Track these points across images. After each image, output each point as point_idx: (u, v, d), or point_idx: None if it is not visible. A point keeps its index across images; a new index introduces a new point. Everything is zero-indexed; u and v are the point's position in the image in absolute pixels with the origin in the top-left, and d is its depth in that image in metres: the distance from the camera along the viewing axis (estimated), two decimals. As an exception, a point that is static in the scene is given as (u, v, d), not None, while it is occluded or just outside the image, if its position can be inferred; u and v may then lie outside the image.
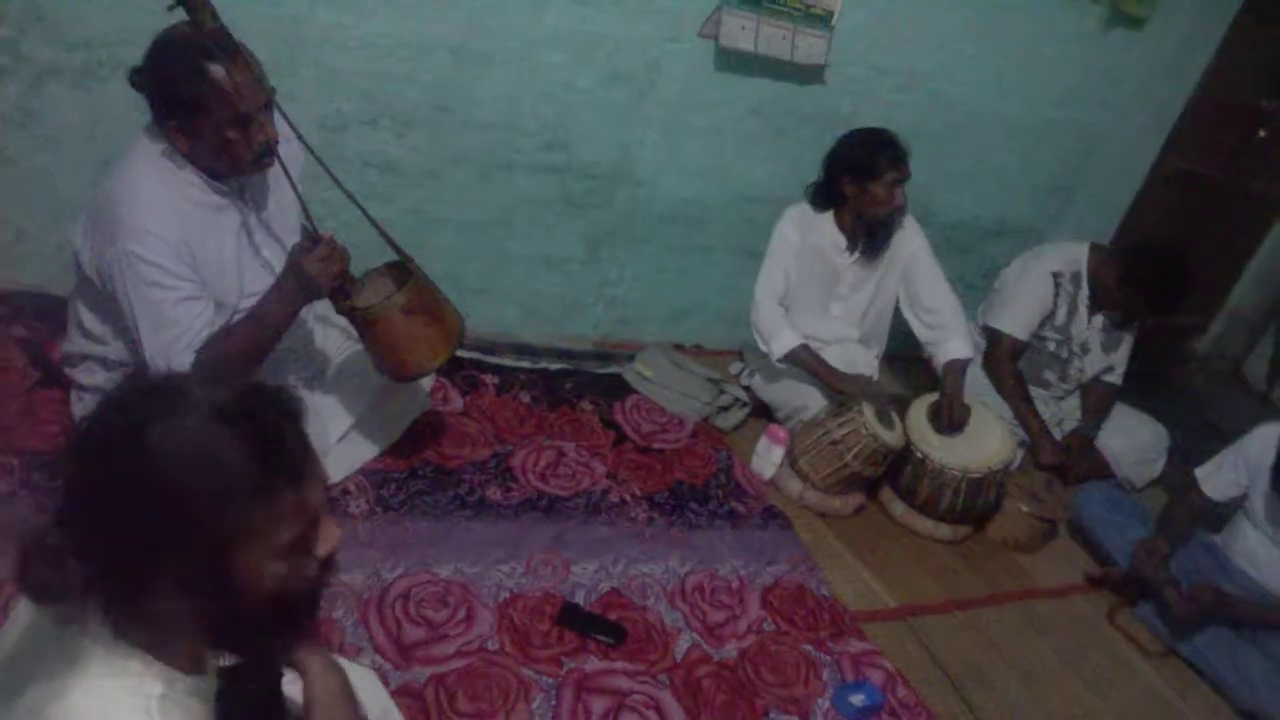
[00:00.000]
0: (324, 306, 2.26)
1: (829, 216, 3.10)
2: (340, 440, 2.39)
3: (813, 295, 3.20)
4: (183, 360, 1.95)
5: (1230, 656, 2.83)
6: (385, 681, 1.89)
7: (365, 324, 2.15)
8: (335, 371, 2.46)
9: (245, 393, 0.98)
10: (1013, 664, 2.66)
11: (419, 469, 2.52)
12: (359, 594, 2.11)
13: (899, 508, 3.09)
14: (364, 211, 2.15)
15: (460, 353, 2.95)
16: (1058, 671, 2.71)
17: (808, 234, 3.09)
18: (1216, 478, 3.04)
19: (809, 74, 3.23)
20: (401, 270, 2.24)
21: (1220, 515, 3.14)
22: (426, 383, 2.62)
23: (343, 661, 1.84)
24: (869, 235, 3.07)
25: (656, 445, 3.00)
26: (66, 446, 0.96)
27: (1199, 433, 3.86)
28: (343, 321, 2.30)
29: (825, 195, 3.08)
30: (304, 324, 2.38)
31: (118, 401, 0.95)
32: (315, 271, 1.99)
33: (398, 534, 2.30)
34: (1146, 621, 3.02)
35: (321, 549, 1.03)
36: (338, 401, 2.38)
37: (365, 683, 1.77)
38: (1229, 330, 5.03)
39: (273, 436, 0.96)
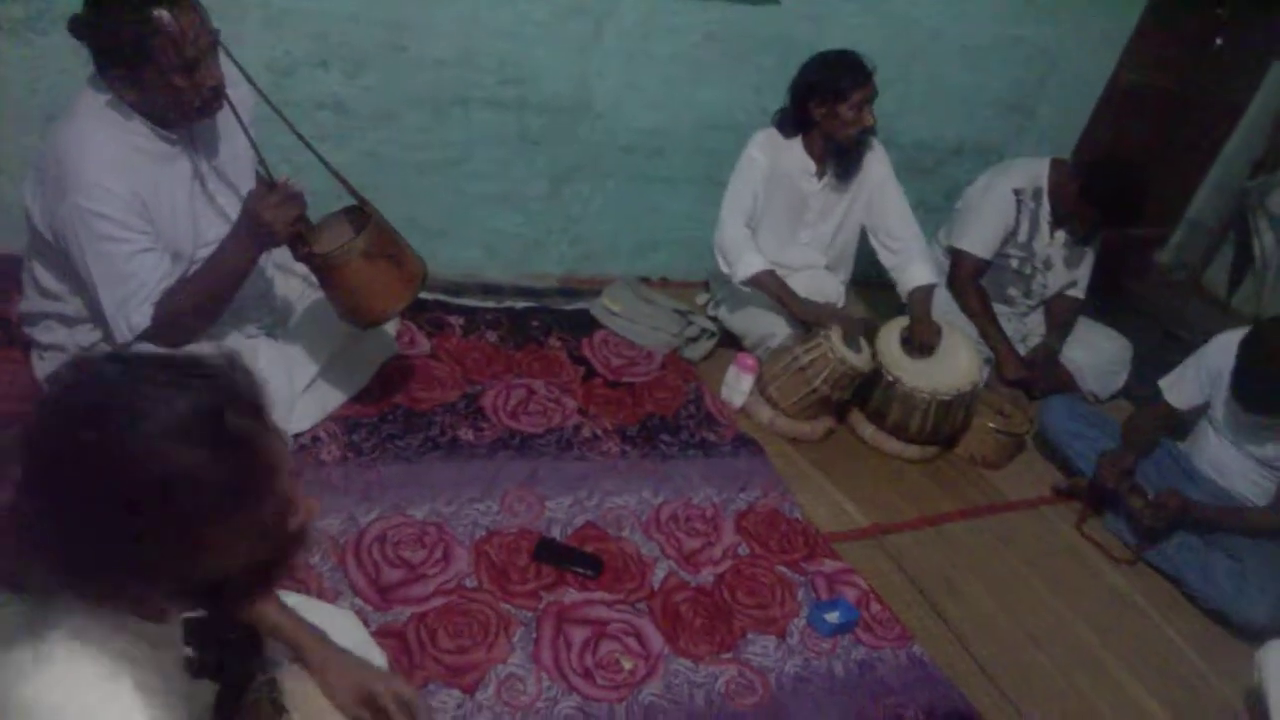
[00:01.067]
0: (283, 254, 2.24)
1: (797, 143, 3.08)
2: (307, 388, 2.38)
3: (780, 222, 3.20)
4: (142, 313, 1.94)
5: (1197, 561, 2.91)
6: (366, 623, 1.91)
7: (325, 270, 2.13)
8: (298, 319, 2.44)
9: (211, 393, 0.94)
10: (983, 576, 2.72)
11: (389, 413, 2.53)
12: (335, 539, 2.13)
13: (868, 430, 3.13)
14: (318, 155, 2.12)
15: (424, 295, 2.91)
16: (1028, 582, 2.78)
17: (776, 159, 3.08)
18: (1180, 387, 3.10)
19: (765, -2, 3.19)
20: (359, 215, 2.22)
21: (1184, 423, 3.21)
22: (392, 327, 2.61)
23: (322, 605, 1.88)
24: (839, 157, 3.06)
25: (626, 379, 3.01)
26: (23, 440, 0.90)
27: (1161, 343, 3.92)
28: (303, 269, 2.27)
29: (794, 121, 3.06)
30: (263, 272, 2.35)
31: (76, 409, 0.91)
32: (271, 218, 1.96)
33: (371, 478, 2.31)
34: (1114, 530, 3.09)
35: (295, 520, 1.03)
36: (302, 350, 2.36)
37: (346, 625, 1.79)
38: (1188, 240, 5.07)
39: (242, 444, 0.94)
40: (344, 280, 2.14)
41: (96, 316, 2.01)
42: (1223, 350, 2.99)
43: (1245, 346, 2.77)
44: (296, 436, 2.34)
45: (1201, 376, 3.05)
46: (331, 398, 2.46)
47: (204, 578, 0.97)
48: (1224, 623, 2.84)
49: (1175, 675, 2.62)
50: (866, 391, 3.07)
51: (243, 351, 2.21)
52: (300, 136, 2.09)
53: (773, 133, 3.09)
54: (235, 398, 0.95)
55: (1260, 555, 2.88)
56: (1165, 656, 2.69)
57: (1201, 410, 3.11)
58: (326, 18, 2.66)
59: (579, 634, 2.10)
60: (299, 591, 1.93)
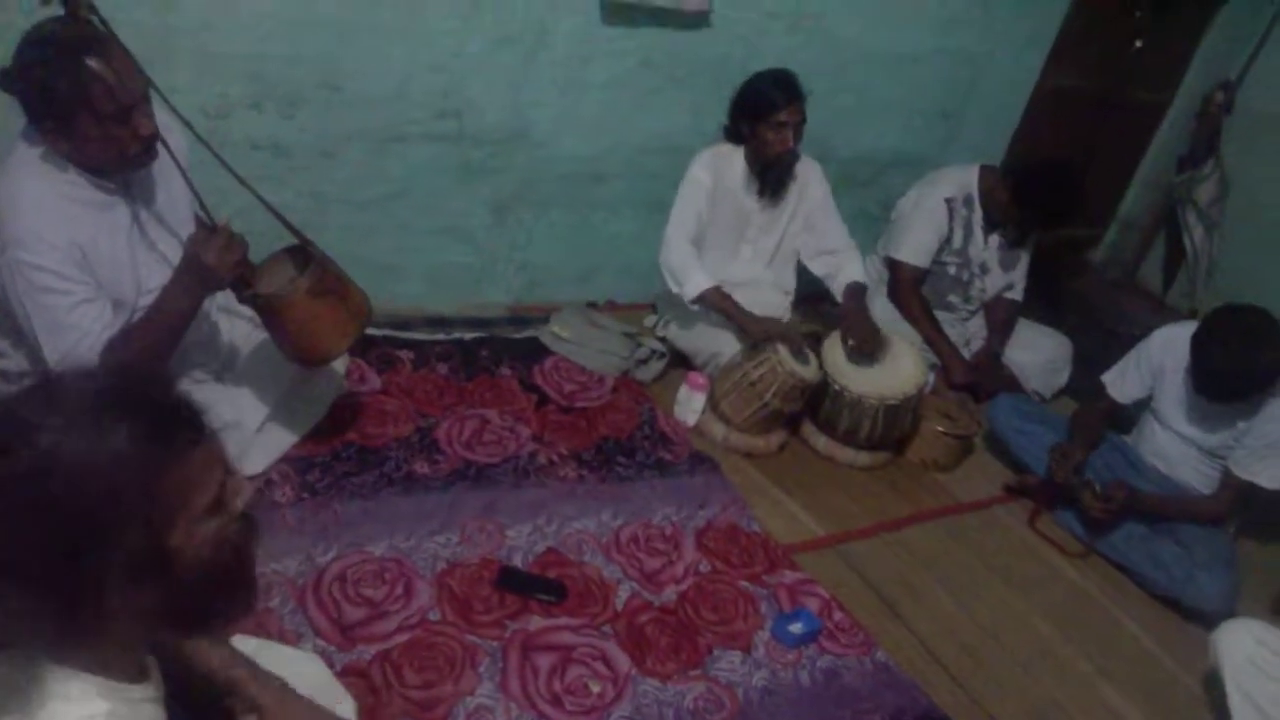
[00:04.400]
0: (227, 297, 2.23)
1: (740, 159, 3.14)
2: (258, 431, 2.36)
3: (724, 237, 3.24)
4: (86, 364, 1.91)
5: (1147, 549, 2.98)
6: (330, 664, 1.90)
7: (270, 311, 2.12)
8: (245, 362, 2.42)
9: (117, 373, 0.96)
10: (941, 578, 2.76)
11: (342, 451, 2.51)
12: (294, 580, 2.11)
13: (821, 440, 3.16)
14: (257, 196, 2.12)
15: (372, 331, 2.93)
16: (985, 580, 2.82)
17: (720, 176, 3.12)
18: (1122, 382, 3.18)
19: (695, 21, 3.23)
20: (302, 254, 2.21)
21: (1128, 417, 3.28)
22: (341, 364, 2.60)
23: (284, 649, 1.86)
24: (764, 175, 3.11)
25: (579, 404, 3.02)
26: None
27: (1100, 340, 4.01)
28: (248, 311, 2.26)
29: (732, 135, 3.12)
30: (208, 316, 2.34)
31: None
32: (213, 262, 1.95)
33: (327, 517, 2.30)
34: (1065, 524, 3.15)
35: (237, 502, 1.03)
36: (251, 392, 2.35)
37: (309, 668, 1.77)
38: (1122, 239, 5.20)
39: (160, 404, 0.94)
40: (290, 320, 2.13)
41: (40, 370, 1.98)
42: (1162, 344, 3.07)
43: (1198, 339, 2.83)
44: (250, 480, 2.31)
45: (1143, 370, 3.12)
46: (283, 439, 2.45)
47: (174, 587, 0.96)
48: (1176, 608, 2.90)
49: (1134, 663, 2.68)
50: (817, 402, 3.11)
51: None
52: (239, 178, 2.09)
53: (717, 149, 3.14)
54: (140, 370, 0.96)
55: (1207, 541, 2.95)
56: (1123, 645, 2.74)
57: (1145, 403, 3.18)
58: (259, 60, 2.65)
59: (545, 660, 2.09)
60: (259, 636, 1.91)
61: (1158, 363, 3.07)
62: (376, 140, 2.95)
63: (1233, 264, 4.72)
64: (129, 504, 0.90)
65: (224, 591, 1.04)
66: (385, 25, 2.76)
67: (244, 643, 1.75)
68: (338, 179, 2.95)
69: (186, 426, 0.96)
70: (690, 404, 3.07)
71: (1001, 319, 3.77)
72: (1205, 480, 3.07)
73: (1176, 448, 3.08)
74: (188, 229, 2.13)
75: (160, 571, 0.94)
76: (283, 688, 1.37)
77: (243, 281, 2.07)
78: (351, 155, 2.93)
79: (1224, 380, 2.78)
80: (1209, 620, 2.60)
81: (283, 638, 1.97)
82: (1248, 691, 2.35)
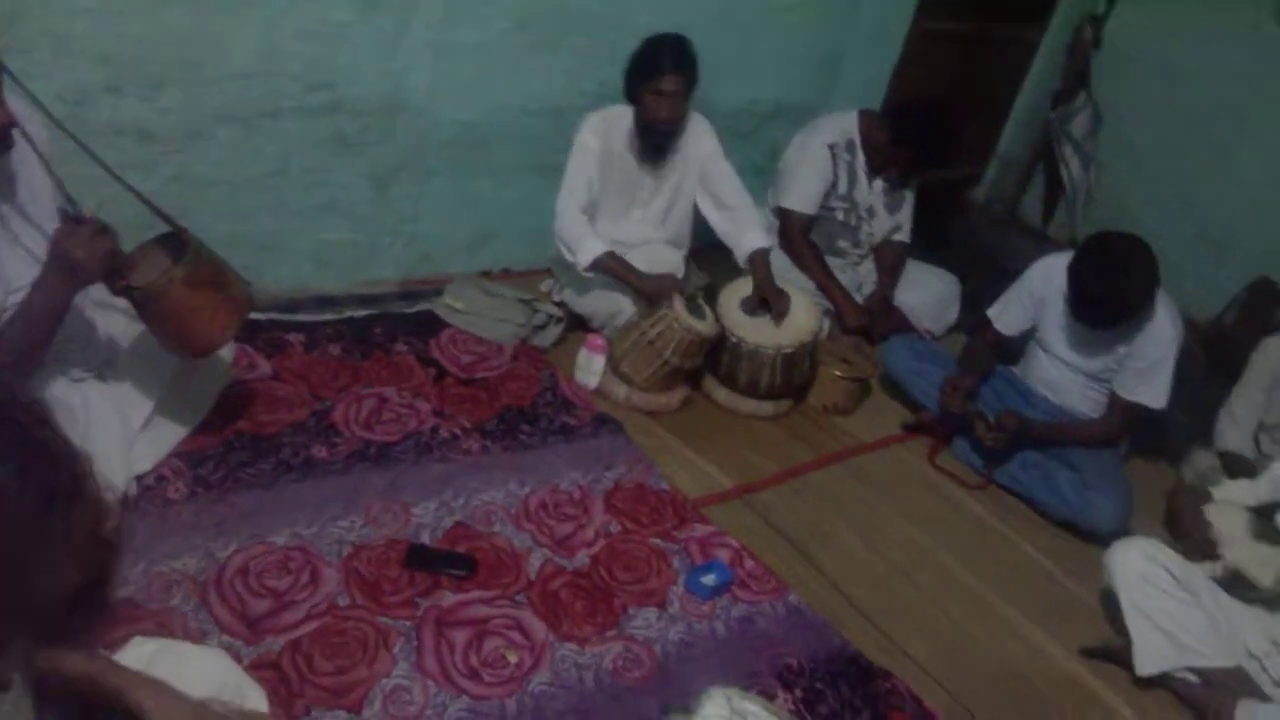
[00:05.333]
0: (101, 291, 2.13)
1: (631, 118, 3.11)
2: (144, 427, 2.28)
3: (615, 200, 3.23)
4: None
5: (1042, 476, 3.09)
6: (238, 659, 1.86)
7: (146, 303, 2.03)
8: (126, 357, 2.32)
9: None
10: (848, 519, 2.82)
11: (235, 441, 2.44)
12: (195, 578, 2.05)
13: (722, 393, 3.19)
14: (124, 183, 2.02)
15: (258, 316, 2.86)
16: (890, 519, 2.89)
17: (608, 139, 3.10)
18: (1006, 314, 3.27)
19: (568, -22, 3.19)
20: (176, 241, 2.12)
21: (1015, 348, 3.38)
22: (228, 352, 2.51)
23: (187, 647, 1.81)
24: (645, 138, 3.11)
25: (479, 375, 2.98)
26: None
27: (986, 276, 4.09)
28: (124, 304, 2.17)
29: (626, 95, 3.10)
30: (81, 313, 2.23)
31: None
32: (82, 255, 1.86)
33: (224, 511, 2.23)
34: (963, 458, 3.25)
35: (106, 525, 0.98)
36: (134, 388, 2.26)
37: (216, 665, 1.72)
38: (1001, 176, 5.33)
39: (40, 455, 0.89)
40: (167, 311, 2.04)
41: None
42: (1043, 275, 3.16)
43: (1073, 267, 2.91)
44: (139, 478, 2.23)
45: (1025, 302, 3.21)
46: (171, 433, 2.36)
47: (37, 609, 0.92)
48: (1074, 531, 3.01)
49: (1036, 587, 2.78)
50: (716, 356, 3.13)
51: (71, 396, 2.13)
52: (104, 165, 1.99)
53: (606, 113, 3.12)
54: (19, 406, 0.91)
55: (1098, 464, 3.07)
56: (1025, 570, 2.84)
57: (1030, 334, 3.28)
58: (113, 39, 2.52)
59: (461, 635, 2.08)
60: (162, 636, 1.86)
61: (1039, 293, 3.16)
62: (247, 117, 2.83)
63: (1107, 194, 4.88)
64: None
65: (85, 605, 1.01)
66: (243, -4, 2.65)
67: (143, 645, 1.70)
68: (209, 160, 2.83)
69: (66, 472, 0.91)
70: (590, 367, 3.06)
71: (890, 261, 3.84)
72: (1092, 404, 3.18)
73: (1062, 375, 3.19)
74: (53, 223, 2.02)
75: (20, 593, 0.90)
76: (163, 689, 1.32)
77: (115, 274, 1.97)
78: (222, 135, 2.82)
79: (1100, 306, 2.88)
80: (1105, 540, 2.71)
81: (188, 636, 1.91)
82: (1141, 607, 2.46)
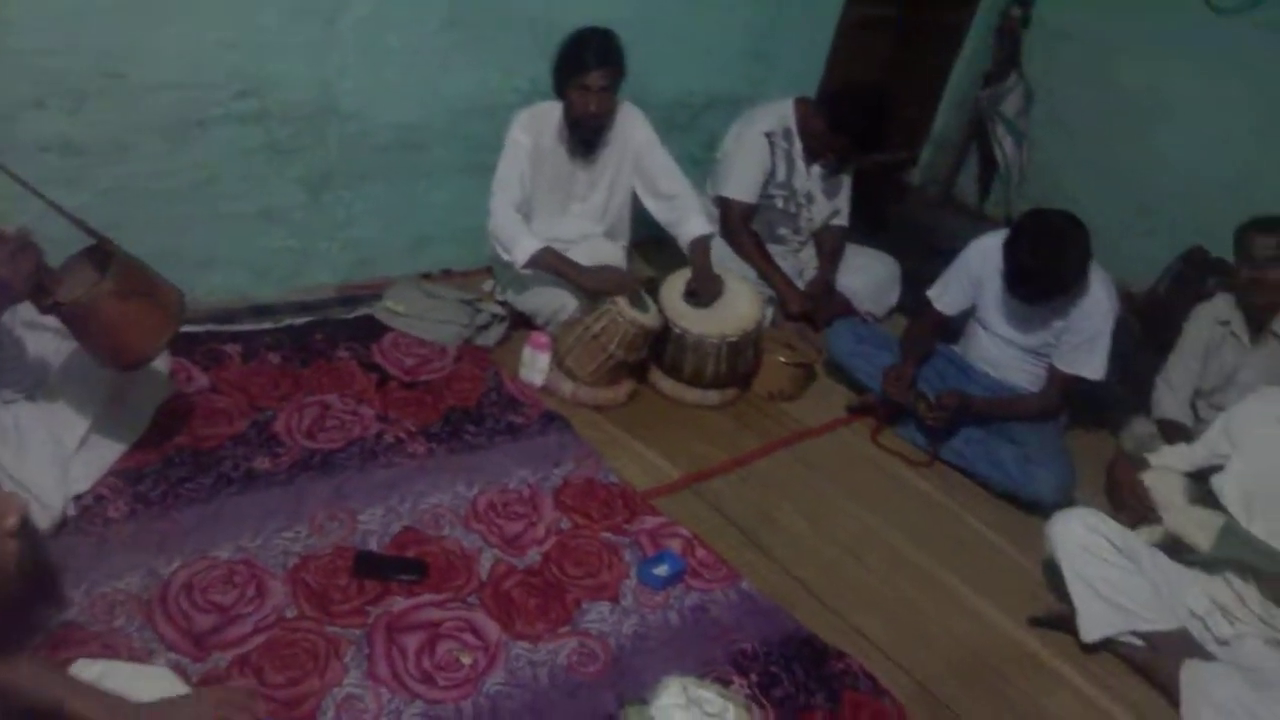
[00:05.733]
0: (30, 310, 2.09)
1: (560, 113, 3.10)
2: (81, 447, 2.24)
3: (550, 197, 3.22)
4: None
5: (985, 451, 3.13)
6: (186, 676, 1.83)
7: (75, 319, 2.00)
8: (58, 376, 2.28)
9: None
10: (796, 504, 2.84)
11: (174, 457, 2.40)
12: (138, 596, 2.01)
13: (668, 384, 3.20)
14: (47, 200, 1.99)
15: (194, 327, 2.82)
16: (838, 501, 2.92)
17: (539, 136, 3.09)
18: (945, 294, 3.31)
19: (495, -26, 3.17)
20: (102, 254, 2.08)
21: (956, 327, 3.42)
22: (164, 365, 2.48)
23: (133, 668, 1.79)
24: (574, 132, 3.10)
25: (422, 377, 2.96)
26: None
27: (925, 257, 4.13)
28: (53, 321, 2.13)
29: (555, 90, 3.09)
30: (10, 333, 2.19)
31: None
32: (5, 273, 1.83)
33: (165, 527, 2.19)
34: (907, 437, 3.29)
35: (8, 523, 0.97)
36: (68, 406, 2.22)
37: (163, 685, 1.71)
38: (937, 157, 5.40)
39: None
40: (97, 325, 2.01)
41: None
42: (979, 254, 3.21)
43: (1009, 244, 2.96)
44: (78, 498, 2.19)
45: (964, 281, 3.26)
46: (109, 451, 2.32)
47: None
48: (1017, 503, 3.06)
49: (984, 560, 2.82)
50: (661, 348, 3.13)
51: (2, 418, 2.08)
52: (24, 183, 1.96)
53: (535, 109, 3.10)
54: None
55: (1039, 437, 3.12)
56: (971, 543, 2.89)
57: (969, 312, 3.32)
58: (34, 54, 2.47)
59: (413, 640, 2.06)
60: (107, 658, 1.83)
61: (976, 272, 3.20)
62: (175, 127, 2.79)
63: (1041, 171, 4.96)
64: None
65: (14, 613, 0.99)
66: (165, 3, 2.60)
67: (88, 668, 1.68)
68: (138, 172, 2.78)
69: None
70: (535, 364, 3.05)
71: (831, 246, 3.87)
72: (1032, 379, 3.23)
73: (1002, 351, 3.24)
74: (-26, 243, 1.98)
75: None
76: (106, 697, 1.31)
77: (42, 291, 1.94)
78: (149, 146, 2.77)
79: (1036, 281, 2.92)
80: (1048, 511, 2.74)
81: (133, 657, 1.88)
82: (1084, 575, 2.50)
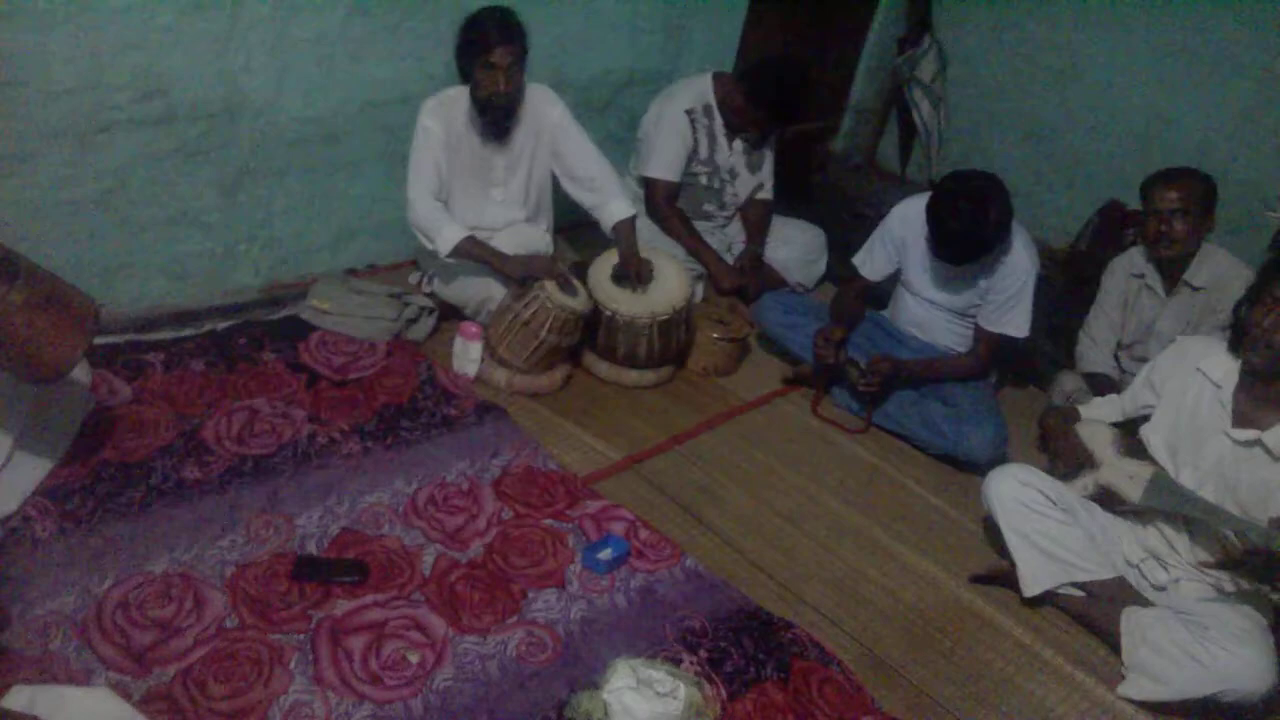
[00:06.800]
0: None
1: (468, 97, 3.05)
2: (4, 467, 2.17)
3: (469, 184, 3.17)
4: None
5: (919, 414, 3.18)
6: (128, 695, 1.80)
7: (-15, 335, 1.94)
8: (-28, 397, 2.21)
9: None
10: (736, 478, 2.86)
11: (101, 471, 2.33)
12: (73, 617, 1.96)
13: (603, 367, 3.19)
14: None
15: (114, 338, 2.76)
16: (779, 472, 2.94)
17: (449, 122, 3.04)
18: (870, 260, 3.34)
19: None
20: (9, 266, 2.02)
21: (883, 293, 3.46)
22: (84, 376, 2.42)
23: (72, 691, 1.74)
24: (483, 114, 3.04)
25: (353, 375, 2.92)
26: None
27: (851, 224, 4.19)
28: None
29: (460, 75, 3.04)
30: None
31: None
32: None
33: (96, 544, 2.13)
34: (843, 405, 3.32)
35: None
36: (-13, 427, 2.15)
37: (103, 706, 1.68)
38: (856, 126, 5.44)
39: None
40: (10, 337, 1.96)
41: None
42: (901, 219, 3.24)
43: (930, 207, 2.99)
44: (4, 520, 2.13)
45: (887, 247, 3.29)
46: (34, 471, 2.25)
47: None
48: (953, 463, 3.11)
49: (923, 521, 2.87)
50: (593, 331, 3.12)
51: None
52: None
53: (443, 96, 3.05)
54: None
55: (970, 397, 3.18)
56: (910, 506, 2.93)
57: (895, 277, 3.36)
58: (-83, 64, 2.38)
59: (358, 642, 2.04)
60: (44, 682, 1.78)
61: (899, 236, 3.24)
62: (79, 133, 2.70)
63: (959, 132, 5.02)
64: None
65: None
66: (55, 7, 2.51)
67: (22, 693, 1.63)
68: (43, 182, 2.69)
69: None
70: (468, 354, 3.03)
71: (757, 220, 3.88)
72: (960, 340, 3.29)
73: (929, 313, 3.28)
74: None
75: None
76: None
77: (-56, 309, 1.88)
78: (53, 154, 2.68)
79: (958, 242, 2.96)
80: (984, 470, 2.79)
81: (72, 679, 1.83)
82: (1021, 530, 2.56)
